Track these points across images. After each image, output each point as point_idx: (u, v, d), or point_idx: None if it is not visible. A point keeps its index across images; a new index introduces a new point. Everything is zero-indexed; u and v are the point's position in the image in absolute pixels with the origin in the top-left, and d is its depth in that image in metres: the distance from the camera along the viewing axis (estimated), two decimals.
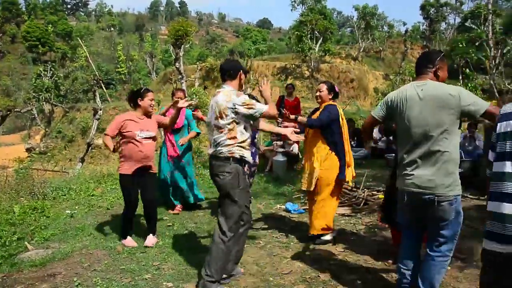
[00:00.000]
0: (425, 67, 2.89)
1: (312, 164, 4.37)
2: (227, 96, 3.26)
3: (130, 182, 4.37)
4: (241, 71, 3.44)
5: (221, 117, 3.25)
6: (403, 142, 2.86)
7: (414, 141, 2.76)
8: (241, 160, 3.31)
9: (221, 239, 3.25)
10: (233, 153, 3.26)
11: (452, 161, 2.70)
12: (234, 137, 3.26)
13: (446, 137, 2.67)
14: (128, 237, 4.52)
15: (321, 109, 4.43)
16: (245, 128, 3.33)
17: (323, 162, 4.32)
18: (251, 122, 3.42)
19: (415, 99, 2.77)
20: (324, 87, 4.48)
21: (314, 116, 4.44)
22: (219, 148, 3.28)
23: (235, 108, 3.21)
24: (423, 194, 2.72)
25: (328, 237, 4.44)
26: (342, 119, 4.42)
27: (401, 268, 2.95)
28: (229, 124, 3.25)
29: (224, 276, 3.40)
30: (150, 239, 4.49)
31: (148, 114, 4.47)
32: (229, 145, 3.26)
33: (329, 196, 4.35)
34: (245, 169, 3.45)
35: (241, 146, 3.29)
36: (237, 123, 3.27)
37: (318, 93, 4.50)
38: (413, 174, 2.76)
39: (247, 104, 3.22)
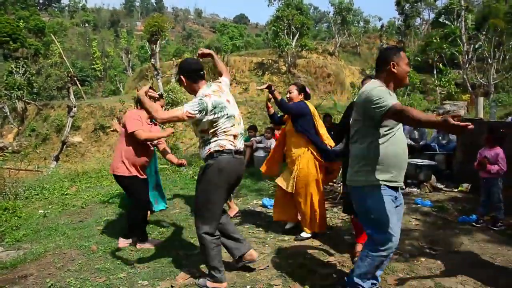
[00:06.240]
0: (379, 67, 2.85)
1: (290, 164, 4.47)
2: None
3: (141, 183, 4.27)
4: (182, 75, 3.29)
5: None
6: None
7: None
8: None
9: None
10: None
11: None
12: None
13: None
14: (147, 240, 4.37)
15: None
16: None
17: (299, 161, 4.37)
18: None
19: None
20: (294, 89, 4.51)
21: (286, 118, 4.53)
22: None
23: None
24: None
25: (307, 234, 4.46)
26: (314, 115, 4.44)
27: None
28: None
29: None
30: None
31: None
32: None
33: (311, 194, 4.37)
34: None
35: None
36: None
37: (288, 95, 4.52)
38: None
39: None
